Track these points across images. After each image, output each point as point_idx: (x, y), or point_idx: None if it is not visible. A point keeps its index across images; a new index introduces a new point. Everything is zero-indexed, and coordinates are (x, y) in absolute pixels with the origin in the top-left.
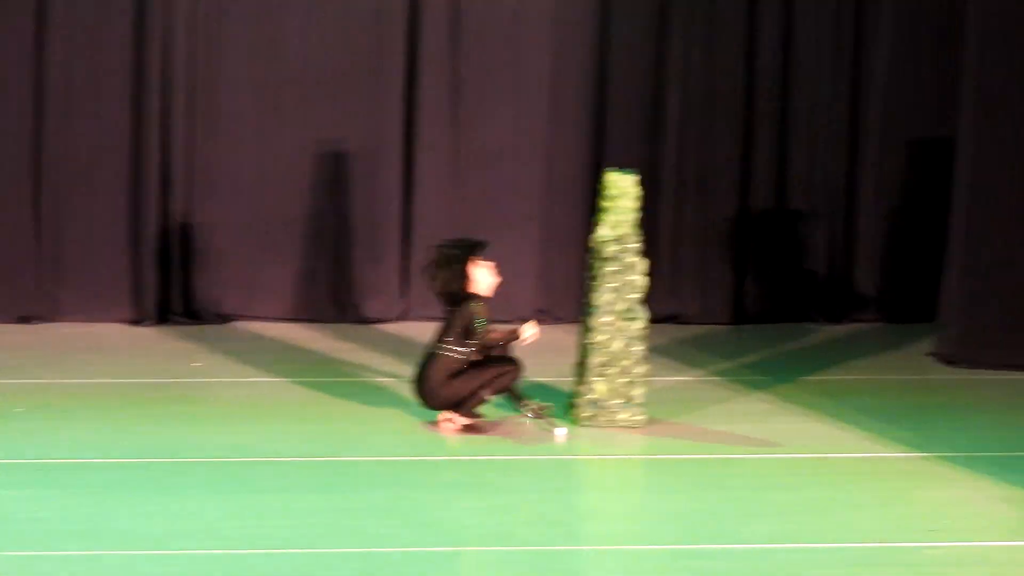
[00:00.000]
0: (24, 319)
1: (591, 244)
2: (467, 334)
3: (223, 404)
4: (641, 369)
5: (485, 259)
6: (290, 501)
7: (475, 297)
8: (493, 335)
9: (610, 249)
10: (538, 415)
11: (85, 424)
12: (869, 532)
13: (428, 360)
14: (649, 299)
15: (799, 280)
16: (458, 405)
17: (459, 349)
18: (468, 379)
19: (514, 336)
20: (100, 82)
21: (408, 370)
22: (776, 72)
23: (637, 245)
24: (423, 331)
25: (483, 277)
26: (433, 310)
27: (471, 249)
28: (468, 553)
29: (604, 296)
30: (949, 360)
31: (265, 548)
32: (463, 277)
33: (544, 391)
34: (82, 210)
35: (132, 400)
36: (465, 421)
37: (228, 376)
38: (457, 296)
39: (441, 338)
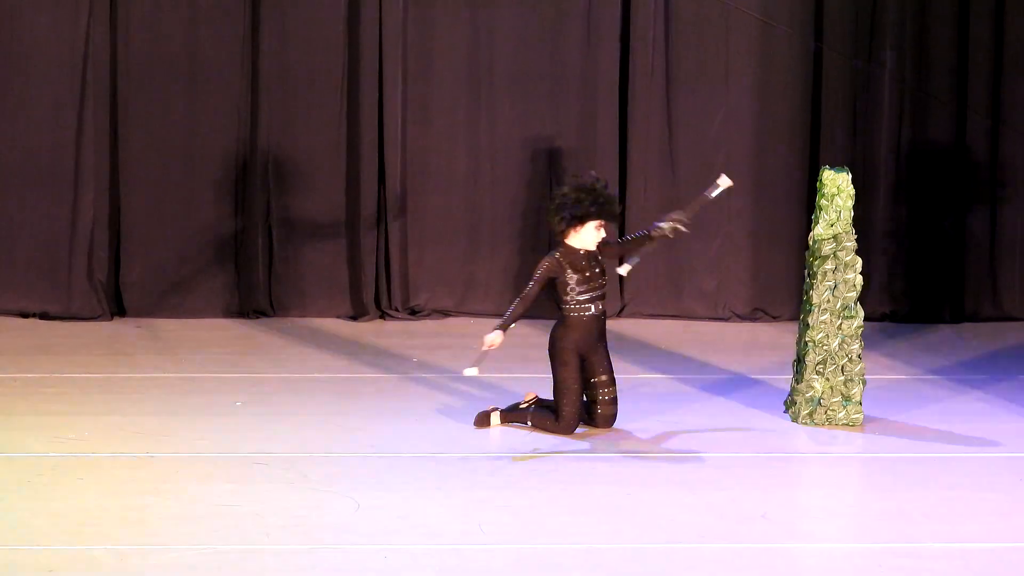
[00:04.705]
0: (243, 314)
1: (808, 242)
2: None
3: (439, 399)
4: (859, 367)
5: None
6: (510, 497)
7: (560, 246)
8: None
9: (827, 247)
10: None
11: (302, 418)
12: None
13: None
14: (865, 297)
15: (1017, 277)
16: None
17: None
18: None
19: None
20: (315, 77)
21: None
22: (989, 66)
23: (853, 243)
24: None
25: (584, 234)
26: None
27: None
28: (687, 550)
29: (822, 294)
30: None
31: (484, 544)
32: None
33: (762, 388)
34: (300, 204)
35: (349, 394)
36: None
37: (445, 372)
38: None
39: None
